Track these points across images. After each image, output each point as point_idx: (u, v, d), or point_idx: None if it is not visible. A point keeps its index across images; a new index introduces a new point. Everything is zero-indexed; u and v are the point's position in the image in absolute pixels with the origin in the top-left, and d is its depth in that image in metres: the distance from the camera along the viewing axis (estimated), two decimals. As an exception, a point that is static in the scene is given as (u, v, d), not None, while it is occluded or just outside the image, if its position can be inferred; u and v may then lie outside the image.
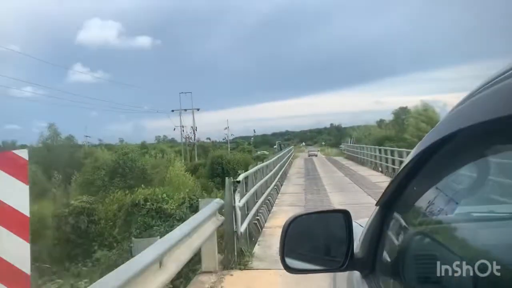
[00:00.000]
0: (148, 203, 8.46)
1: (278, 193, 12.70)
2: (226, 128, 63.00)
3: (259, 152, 40.48)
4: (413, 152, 0.95)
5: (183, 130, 51.48)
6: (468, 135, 0.72)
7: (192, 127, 51.16)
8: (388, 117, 48.91)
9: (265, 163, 12.08)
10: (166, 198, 8.79)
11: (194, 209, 9.73)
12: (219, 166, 27.42)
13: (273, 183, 12.99)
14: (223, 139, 65.36)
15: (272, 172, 13.10)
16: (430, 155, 0.89)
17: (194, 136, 51.72)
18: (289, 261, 1.14)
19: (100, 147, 71.29)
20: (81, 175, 20.12)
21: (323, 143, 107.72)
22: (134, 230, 8.19)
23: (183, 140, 51.30)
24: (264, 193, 9.68)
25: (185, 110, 51.30)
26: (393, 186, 1.07)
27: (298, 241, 1.17)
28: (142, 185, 11.03)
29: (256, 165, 10.97)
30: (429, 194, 0.94)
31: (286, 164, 22.66)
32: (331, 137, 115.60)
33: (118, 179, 17.82)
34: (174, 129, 51.66)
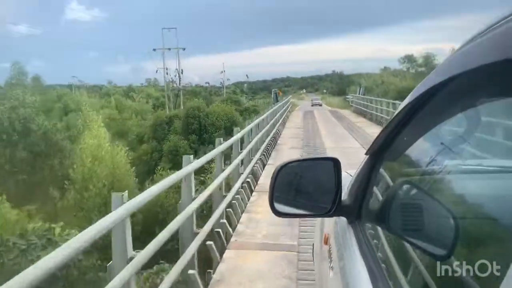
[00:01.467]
0: None
1: (255, 185, 7.24)
2: (222, 72, 56.61)
3: (248, 103, 33.81)
4: (405, 101, 0.93)
5: (166, 73, 44.83)
6: (461, 83, 0.70)
7: (176, 69, 44.40)
8: (393, 65, 45.34)
9: (235, 137, 6.64)
10: None
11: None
12: (195, 121, 21.63)
13: (251, 164, 7.49)
14: (220, 84, 59.68)
15: (249, 148, 7.56)
16: (422, 104, 0.88)
17: (180, 80, 45.18)
18: (277, 206, 1.14)
19: (78, 90, 65.24)
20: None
21: (325, 90, 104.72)
22: None
23: (167, 84, 44.81)
24: (225, 197, 4.19)
25: (169, 49, 44.23)
26: (383, 135, 1.07)
27: (288, 187, 1.17)
28: None
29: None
30: (419, 145, 0.95)
31: (279, 122, 16.92)
32: (333, 84, 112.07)
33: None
34: (157, 71, 44.99)
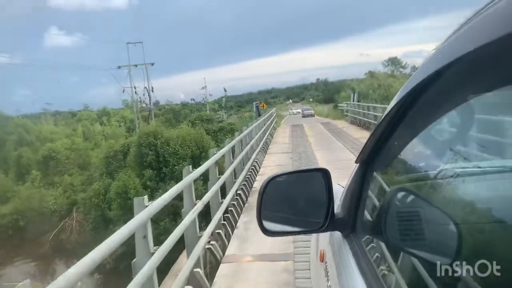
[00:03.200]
0: None
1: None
2: (203, 88, 51.98)
3: (222, 119, 28.74)
4: (392, 103, 0.88)
5: (135, 92, 39.74)
6: (449, 77, 0.66)
7: (146, 87, 39.30)
8: (377, 68, 44.53)
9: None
10: None
11: None
12: (150, 150, 16.61)
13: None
14: (202, 100, 55.26)
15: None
16: (410, 105, 0.83)
17: (150, 99, 40.11)
18: (266, 224, 1.08)
19: (44, 117, 59.54)
20: None
21: (311, 99, 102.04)
22: None
23: (135, 104, 39.65)
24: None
25: (135, 65, 39.18)
26: (372, 140, 1.02)
27: (276, 203, 1.11)
28: None
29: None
30: (411, 148, 0.90)
31: (259, 148, 12.12)
32: (319, 92, 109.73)
33: None
34: (124, 91, 39.79)
